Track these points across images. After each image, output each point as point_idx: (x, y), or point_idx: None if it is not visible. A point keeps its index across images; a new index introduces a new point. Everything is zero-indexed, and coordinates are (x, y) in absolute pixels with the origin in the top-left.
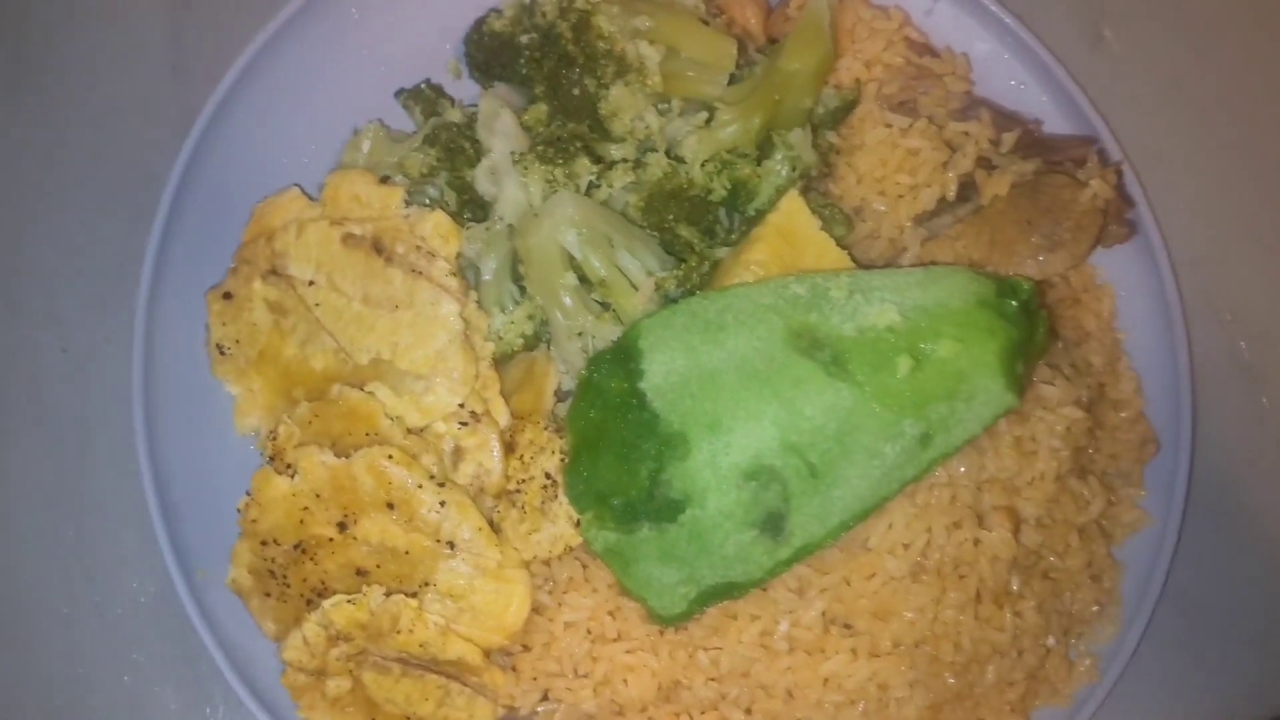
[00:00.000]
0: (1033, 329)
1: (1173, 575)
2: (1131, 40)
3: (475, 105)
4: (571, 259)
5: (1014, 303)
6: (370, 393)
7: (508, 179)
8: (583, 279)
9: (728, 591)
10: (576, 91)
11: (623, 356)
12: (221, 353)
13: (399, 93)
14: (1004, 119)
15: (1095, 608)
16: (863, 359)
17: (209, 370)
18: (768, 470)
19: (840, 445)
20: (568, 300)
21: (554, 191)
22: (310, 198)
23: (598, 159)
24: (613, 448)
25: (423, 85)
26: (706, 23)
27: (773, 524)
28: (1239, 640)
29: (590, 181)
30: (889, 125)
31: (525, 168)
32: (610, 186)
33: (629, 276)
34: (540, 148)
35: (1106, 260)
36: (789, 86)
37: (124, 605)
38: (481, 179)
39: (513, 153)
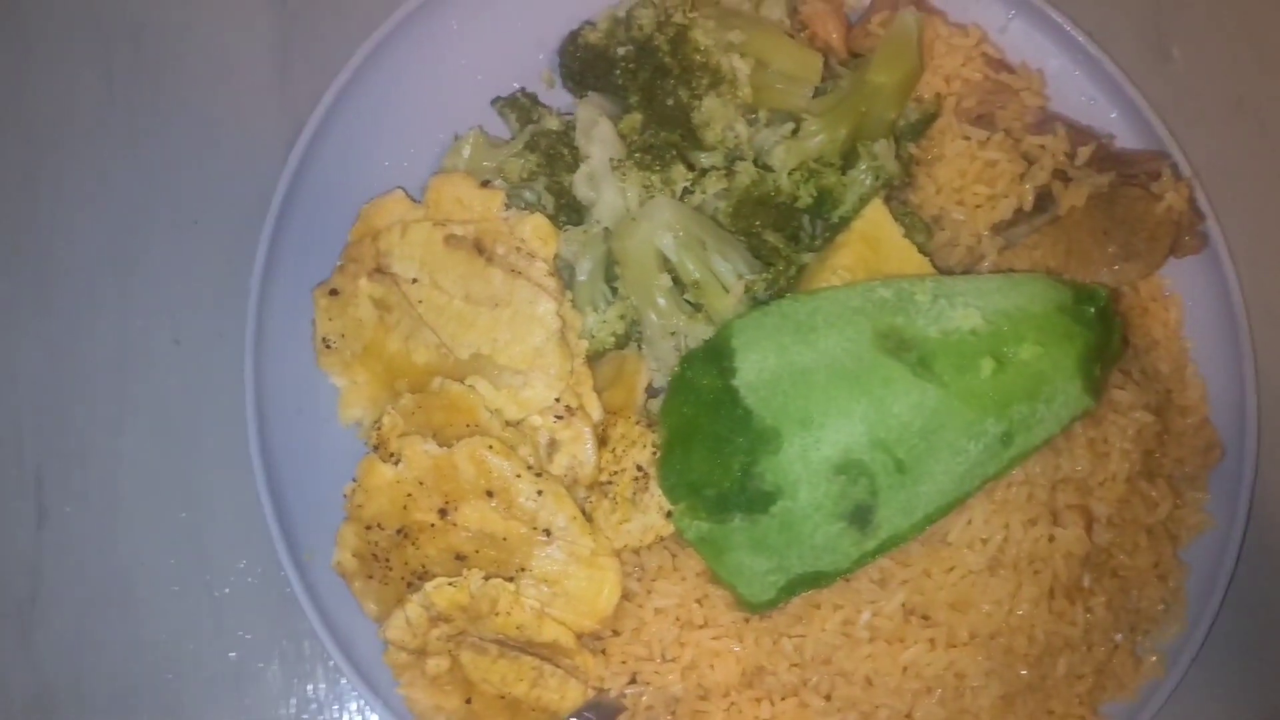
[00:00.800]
0: (1109, 334)
1: (1236, 577)
2: (1198, 57)
3: (570, 114)
4: (666, 261)
5: (1091, 309)
6: (471, 386)
7: (606, 184)
8: (676, 281)
9: (815, 581)
10: (671, 102)
11: (715, 355)
12: (328, 346)
13: (495, 100)
14: (1079, 133)
15: (1161, 606)
16: (947, 360)
17: (315, 363)
18: (857, 465)
19: (926, 442)
20: (662, 301)
21: (650, 197)
22: (414, 200)
23: (692, 166)
24: (705, 441)
25: (518, 94)
26: (791, 37)
27: (860, 516)
28: None
29: (685, 188)
30: (967, 138)
31: (623, 174)
32: (704, 193)
33: (720, 279)
34: (638, 154)
35: (1174, 271)
36: (875, 99)
37: (232, 585)
38: (580, 184)
39: (611, 159)
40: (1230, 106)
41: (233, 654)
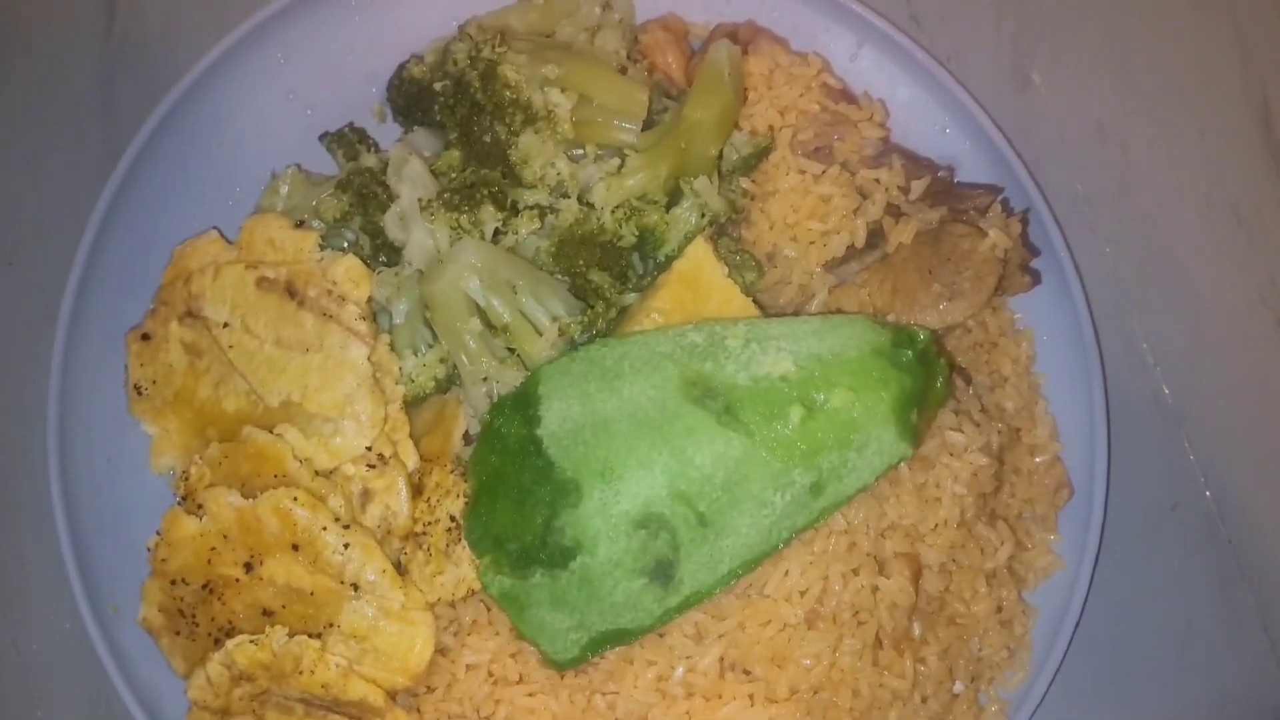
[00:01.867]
0: (930, 378)
1: (1087, 619)
2: (1059, 83)
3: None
4: (476, 305)
5: (909, 352)
6: (279, 435)
7: (415, 225)
8: (489, 325)
9: (618, 638)
10: (488, 139)
11: (522, 403)
12: (139, 392)
13: (323, 136)
14: (916, 166)
15: (1005, 652)
16: (755, 408)
17: (126, 410)
18: (657, 519)
19: (729, 494)
20: (472, 345)
21: (459, 238)
22: (229, 241)
23: (508, 207)
24: (510, 493)
25: (346, 129)
26: (625, 69)
27: (662, 572)
28: (1151, 685)
29: (496, 228)
30: (802, 172)
31: (432, 214)
32: (516, 233)
33: (533, 322)
34: (446, 195)
35: (1026, 305)
36: (694, 135)
37: (40, 640)
38: (391, 225)
39: (420, 199)
40: (1091, 132)
41: (39, 713)
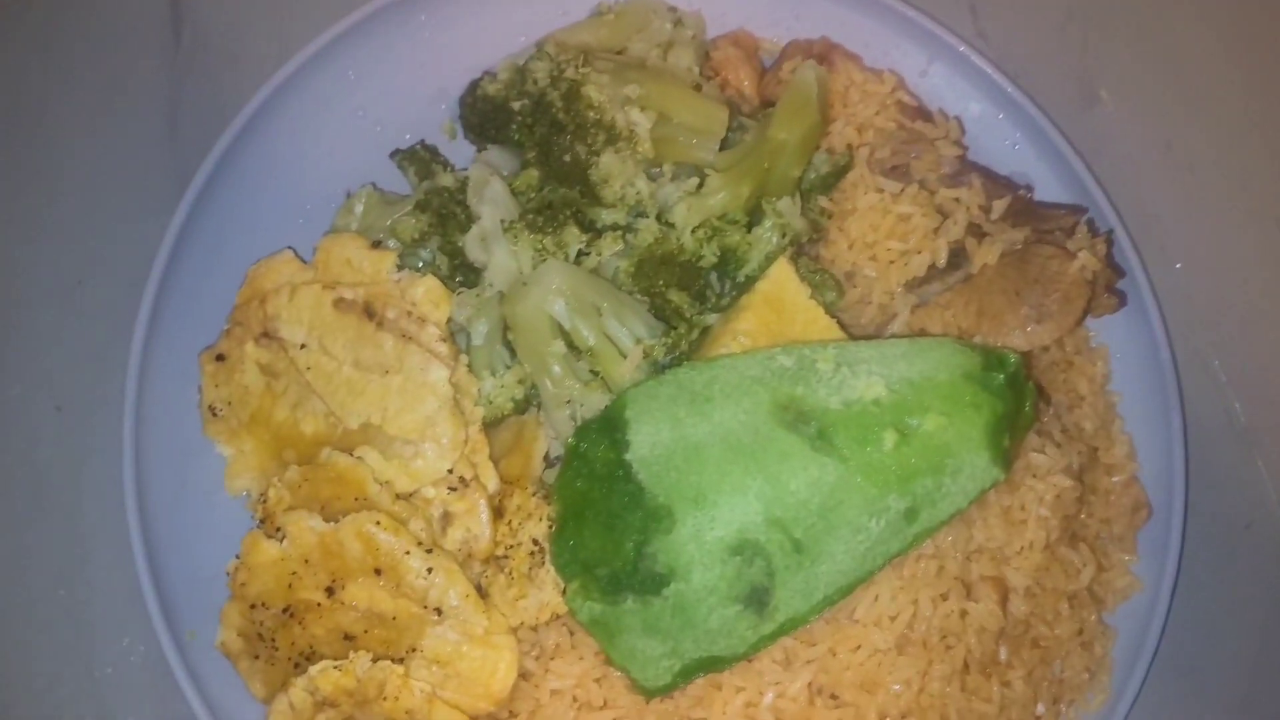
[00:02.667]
0: (1020, 402)
1: (1165, 641)
2: (1127, 101)
3: (468, 170)
4: (560, 327)
5: (1000, 376)
6: (359, 458)
7: (497, 246)
8: (572, 347)
9: (712, 665)
10: (568, 158)
11: (609, 426)
12: (214, 414)
13: (394, 154)
14: (995, 185)
15: (1086, 674)
16: (848, 433)
17: (201, 431)
18: (752, 545)
19: (824, 520)
20: (556, 369)
21: (543, 260)
22: (304, 261)
23: (587, 227)
24: (599, 518)
25: (418, 147)
26: (699, 87)
27: (757, 599)
28: (1230, 705)
29: (579, 250)
30: (880, 190)
31: (515, 236)
32: (599, 255)
33: (617, 344)
34: (530, 216)
35: (1101, 323)
36: (778, 155)
37: (113, 664)
38: (472, 246)
39: (502, 220)
40: (1160, 150)
41: None
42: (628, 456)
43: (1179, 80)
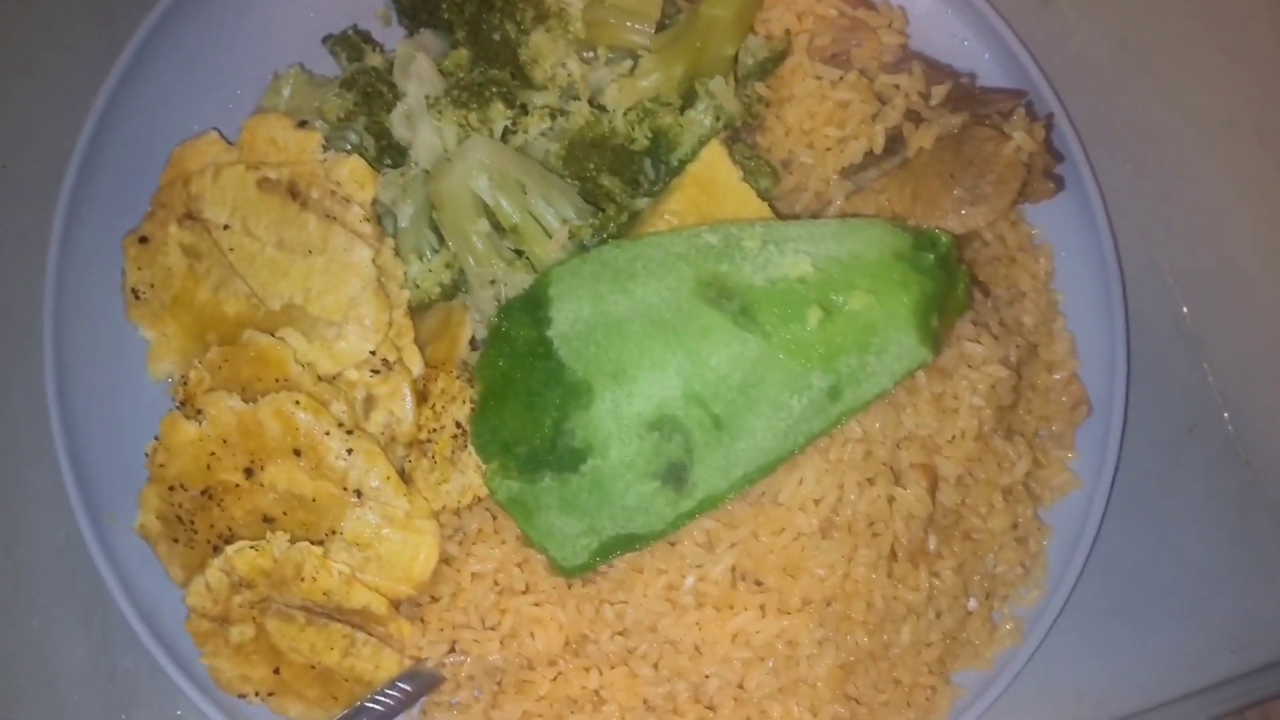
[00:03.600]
0: (951, 283)
1: (1102, 541)
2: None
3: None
4: (484, 205)
5: (931, 256)
6: (281, 339)
7: (422, 124)
8: (497, 226)
9: (629, 543)
10: (497, 37)
11: (532, 305)
12: (137, 297)
13: (326, 39)
14: (936, 72)
15: (1020, 570)
16: (772, 310)
17: (124, 315)
18: (670, 420)
19: (745, 397)
20: (480, 246)
21: (468, 136)
22: (229, 142)
23: (514, 104)
24: (519, 396)
25: (349, 31)
26: None
27: (675, 475)
28: (1169, 609)
29: (506, 127)
30: (819, 77)
31: (439, 112)
32: (525, 133)
33: (543, 224)
34: (455, 92)
35: (1046, 219)
36: (711, 33)
37: (33, 548)
38: (397, 124)
39: (427, 96)
40: (1114, 50)
41: (35, 621)
42: (549, 334)
43: None
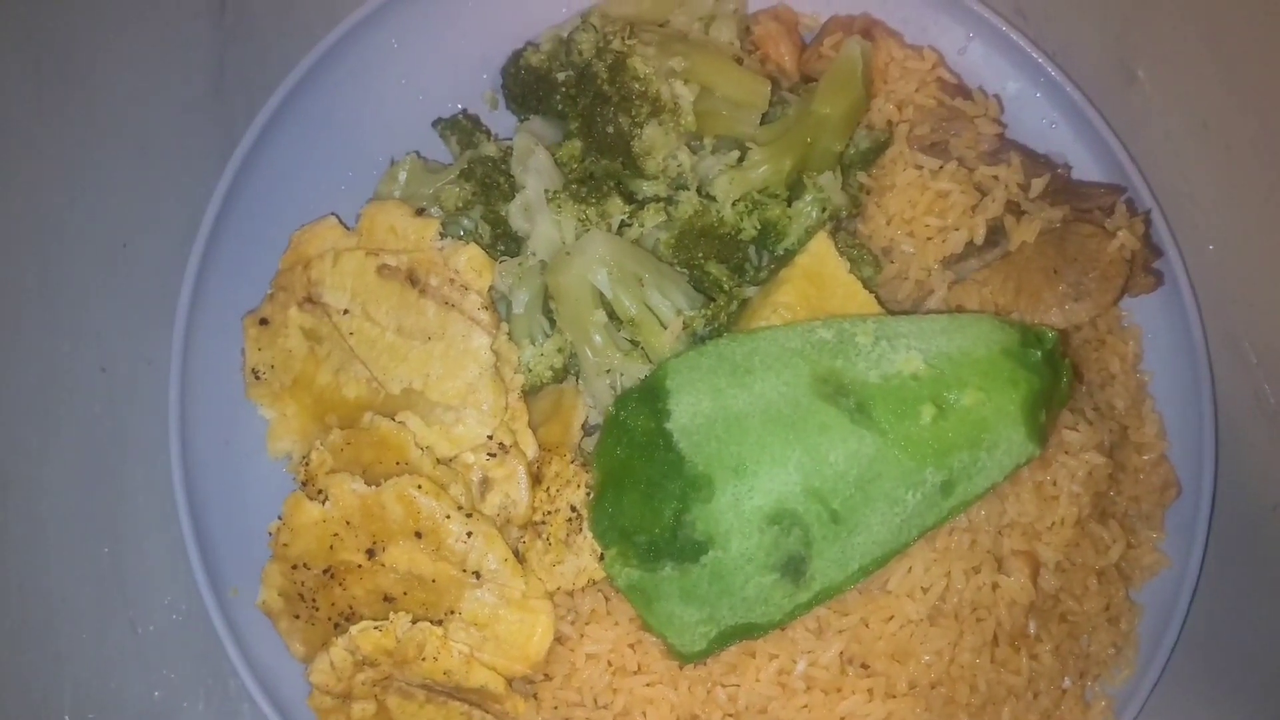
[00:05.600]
0: (1056, 379)
1: (1191, 619)
2: (1164, 80)
3: (510, 139)
4: (602, 297)
5: (1038, 352)
6: (401, 422)
7: (541, 216)
8: (613, 317)
9: (747, 632)
10: (611, 130)
11: (650, 396)
12: (257, 377)
13: (436, 122)
14: (1034, 164)
15: (1112, 649)
16: (887, 406)
17: (244, 394)
18: (790, 515)
19: (862, 492)
20: (597, 338)
21: (586, 230)
22: (347, 227)
23: (630, 198)
24: (638, 486)
25: (460, 115)
26: (741, 60)
27: (793, 568)
28: (1256, 685)
29: (622, 220)
30: (919, 167)
31: (559, 206)
32: (642, 226)
33: (658, 315)
34: (574, 186)
35: (1134, 303)
36: (820, 130)
37: (156, 621)
38: (516, 215)
39: (546, 190)
40: (1197, 130)
41: (157, 693)
42: (668, 425)
43: (1216, 59)
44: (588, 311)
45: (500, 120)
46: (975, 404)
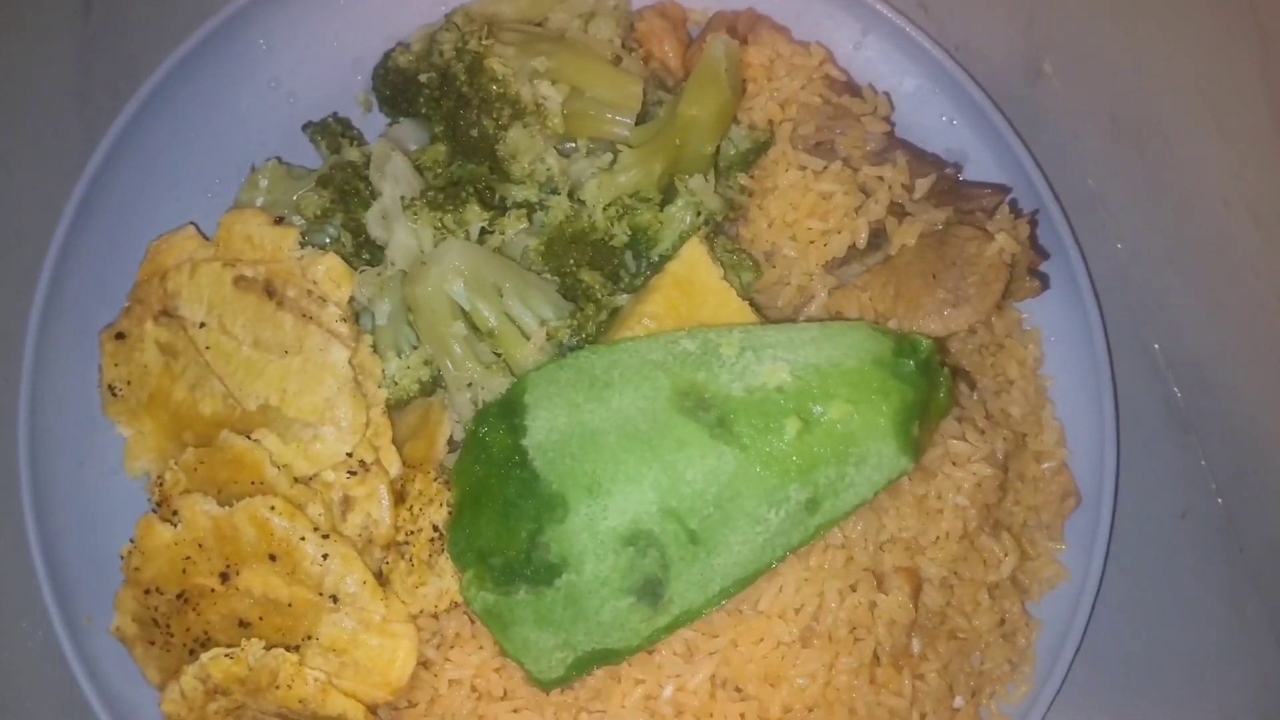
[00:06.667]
0: (932, 389)
1: (1094, 632)
2: (1072, 74)
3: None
4: (460, 308)
5: (911, 363)
6: (257, 440)
7: (398, 224)
8: (474, 328)
9: (605, 658)
10: (475, 133)
11: (508, 411)
12: (114, 393)
13: (306, 126)
14: (921, 163)
15: (1008, 666)
16: (749, 420)
17: (101, 411)
18: (646, 535)
19: (721, 511)
20: (457, 350)
21: (443, 238)
22: (206, 237)
23: (495, 204)
24: (494, 505)
25: (330, 119)
26: (619, 59)
27: (651, 591)
28: (1162, 698)
29: (482, 228)
30: (803, 168)
31: (415, 213)
32: (503, 233)
33: (520, 326)
34: (431, 193)
35: (1034, 305)
36: (689, 131)
37: (10, 649)
38: (373, 223)
39: (403, 197)
40: (1105, 126)
41: None
42: (524, 442)
43: (1126, 54)
44: (445, 323)
45: (376, 125)
46: (842, 417)
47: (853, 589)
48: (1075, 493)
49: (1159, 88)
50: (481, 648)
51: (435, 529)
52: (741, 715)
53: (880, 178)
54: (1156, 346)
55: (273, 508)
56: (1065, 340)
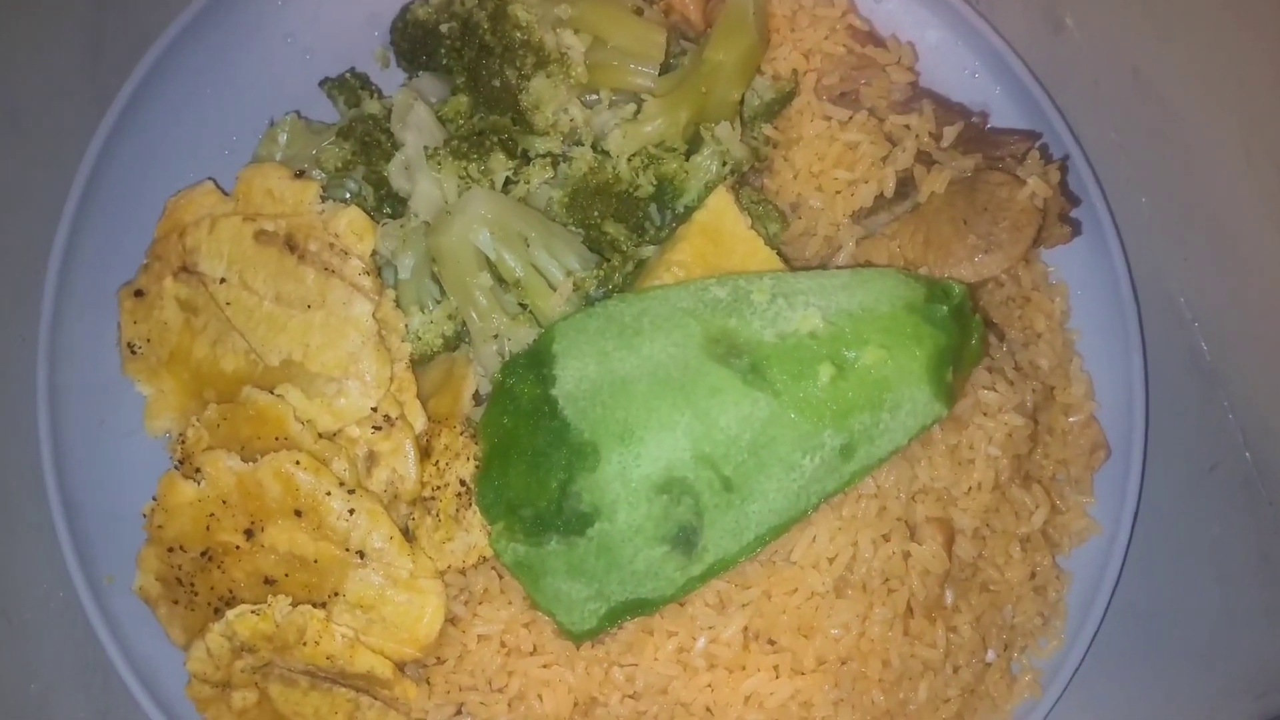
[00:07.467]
0: (965, 335)
1: (1122, 586)
2: (1094, 27)
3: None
4: (486, 258)
5: (944, 308)
6: (280, 395)
7: (421, 175)
8: (500, 279)
9: (638, 608)
10: (497, 83)
11: (536, 361)
12: (133, 351)
13: (323, 82)
14: (947, 112)
15: (1039, 620)
16: (782, 367)
17: (120, 370)
18: (679, 483)
19: (755, 457)
20: (482, 301)
21: (467, 188)
22: (225, 192)
23: (519, 155)
24: (524, 456)
25: (347, 74)
26: (641, 10)
27: (685, 539)
28: (1190, 654)
29: (507, 177)
30: (828, 118)
31: (439, 163)
32: (528, 183)
33: (546, 276)
34: (454, 143)
35: (1061, 258)
36: (715, 78)
37: (33, 610)
38: (395, 174)
39: (426, 147)
40: (1127, 78)
41: (33, 685)
42: (554, 392)
43: (1148, 5)
44: (471, 274)
45: (394, 80)
46: (876, 362)
47: (886, 539)
48: (1105, 445)
49: (1180, 40)
50: (510, 603)
51: (462, 484)
52: (775, 667)
53: (907, 127)
54: (1181, 300)
55: (297, 462)
56: (1092, 293)
